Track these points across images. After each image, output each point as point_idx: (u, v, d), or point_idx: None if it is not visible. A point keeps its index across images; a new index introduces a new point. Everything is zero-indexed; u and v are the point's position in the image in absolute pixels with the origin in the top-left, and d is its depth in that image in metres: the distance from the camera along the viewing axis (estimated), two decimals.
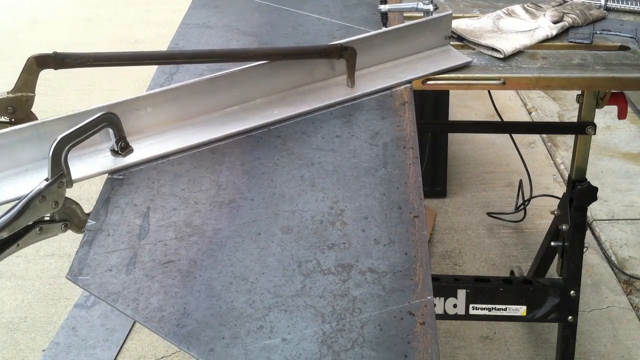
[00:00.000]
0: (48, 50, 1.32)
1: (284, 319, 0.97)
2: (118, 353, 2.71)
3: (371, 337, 0.95)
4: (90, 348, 2.72)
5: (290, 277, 1.04)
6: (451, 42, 1.74)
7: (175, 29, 1.89)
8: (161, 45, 2.35)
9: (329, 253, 1.09)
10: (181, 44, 1.80)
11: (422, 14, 1.77)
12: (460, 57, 1.69)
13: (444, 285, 2.41)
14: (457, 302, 2.40)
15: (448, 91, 3.40)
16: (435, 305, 2.37)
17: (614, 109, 2.16)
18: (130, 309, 0.98)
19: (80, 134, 1.15)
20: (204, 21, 1.93)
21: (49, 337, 2.78)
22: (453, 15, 1.73)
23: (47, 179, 1.11)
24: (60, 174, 1.12)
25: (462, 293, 2.39)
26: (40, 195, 1.08)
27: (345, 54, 1.55)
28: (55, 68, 1.32)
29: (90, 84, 4.87)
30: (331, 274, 1.04)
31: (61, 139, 1.11)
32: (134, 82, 4.69)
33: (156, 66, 1.67)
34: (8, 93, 1.30)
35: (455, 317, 2.42)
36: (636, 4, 1.95)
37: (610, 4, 1.97)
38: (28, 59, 1.30)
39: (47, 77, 1.36)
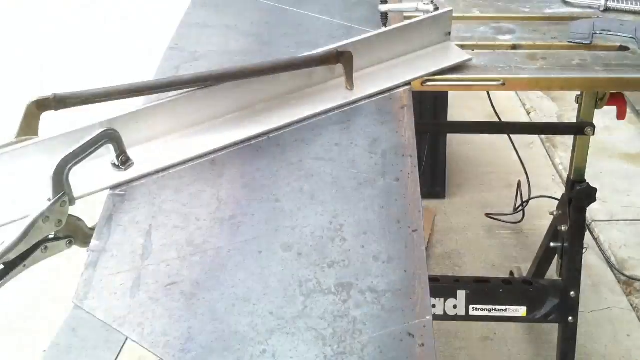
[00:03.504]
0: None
1: (286, 342, 0.97)
2: (118, 354, 2.71)
3: None
4: (91, 349, 2.72)
5: (292, 298, 1.04)
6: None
7: (175, 28, 1.89)
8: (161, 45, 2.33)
9: (329, 271, 1.09)
10: (181, 44, 1.79)
11: (422, 14, 1.75)
12: (460, 54, 1.68)
13: (444, 286, 2.41)
14: (457, 303, 2.40)
15: (447, 91, 3.39)
16: (435, 306, 2.38)
17: (612, 110, 2.16)
18: (136, 334, 0.99)
19: (80, 153, 1.15)
20: (204, 20, 1.92)
21: (49, 337, 2.79)
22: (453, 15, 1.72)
23: (49, 199, 1.11)
24: (62, 194, 1.12)
25: (462, 294, 2.40)
26: (43, 216, 1.09)
27: (342, 59, 1.54)
28: (56, 109, 1.31)
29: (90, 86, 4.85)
30: (331, 294, 1.05)
31: (62, 160, 1.11)
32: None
33: (155, 69, 1.67)
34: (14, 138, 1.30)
35: (455, 318, 2.43)
36: (636, 4, 1.95)
37: (610, 4, 1.96)
38: (28, 103, 1.29)
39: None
